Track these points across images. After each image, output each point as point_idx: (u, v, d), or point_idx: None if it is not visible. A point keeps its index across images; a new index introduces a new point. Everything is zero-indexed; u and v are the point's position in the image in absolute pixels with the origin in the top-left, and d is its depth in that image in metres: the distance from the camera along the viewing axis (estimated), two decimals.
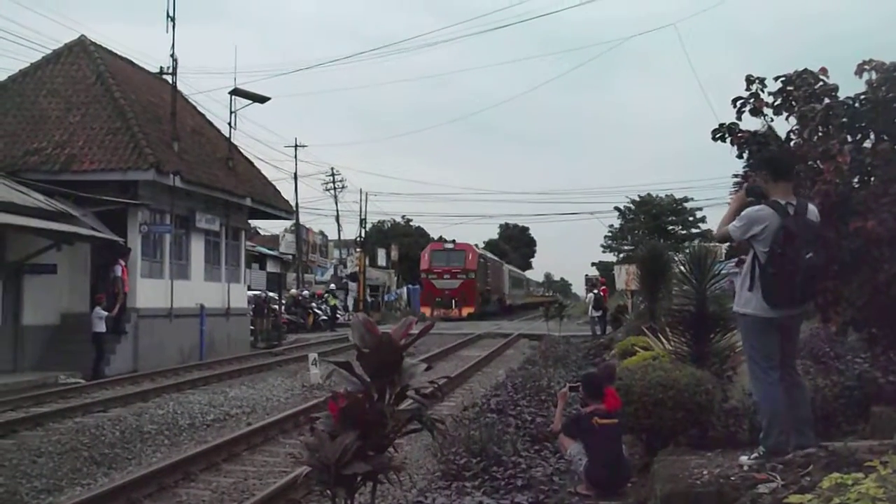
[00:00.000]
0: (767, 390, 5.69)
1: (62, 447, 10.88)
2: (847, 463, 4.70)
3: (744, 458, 5.64)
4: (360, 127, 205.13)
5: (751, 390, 6.46)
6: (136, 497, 8.31)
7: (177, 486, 8.94)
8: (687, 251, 12.58)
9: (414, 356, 4.68)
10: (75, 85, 23.78)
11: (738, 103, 7.62)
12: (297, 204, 49.55)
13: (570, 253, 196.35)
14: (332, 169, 61.38)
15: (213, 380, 18.77)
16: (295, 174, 52.62)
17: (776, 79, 7.49)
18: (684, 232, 68.26)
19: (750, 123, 7.71)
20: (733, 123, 7.69)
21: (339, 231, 64.53)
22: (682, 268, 10.26)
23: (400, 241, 75.18)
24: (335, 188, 61.09)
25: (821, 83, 7.26)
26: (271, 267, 49.08)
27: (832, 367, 8.14)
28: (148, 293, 22.37)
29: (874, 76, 7.01)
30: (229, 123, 28.10)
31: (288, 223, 50.48)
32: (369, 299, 57.78)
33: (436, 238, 69.58)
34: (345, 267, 64.22)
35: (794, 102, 7.37)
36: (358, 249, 59.45)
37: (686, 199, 68.08)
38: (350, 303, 52.74)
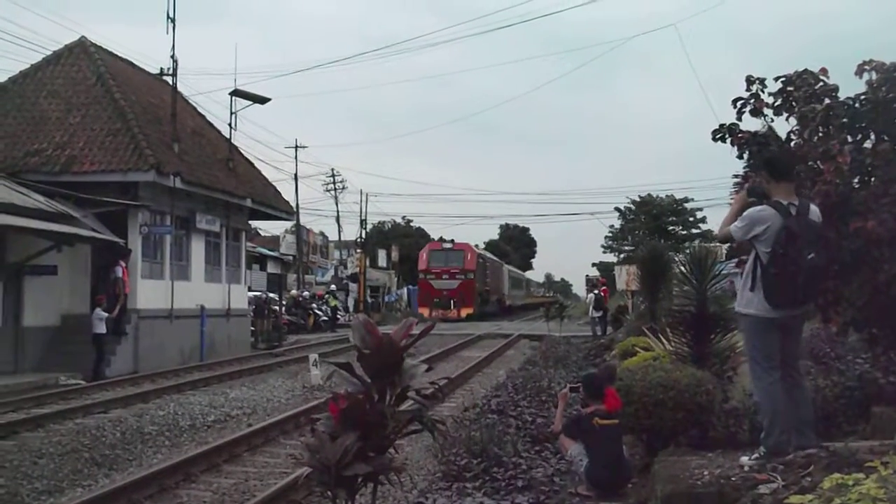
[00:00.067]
0: (768, 390, 5.69)
1: (63, 448, 10.88)
2: (848, 463, 4.70)
3: (744, 459, 5.64)
4: (361, 128, 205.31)
5: (752, 390, 6.46)
6: (137, 498, 8.31)
7: (178, 488, 8.95)
8: (687, 252, 12.58)
9: (414, 357, 4.68)
10: (75, 86, 23.78)
11: (739, 104, 7.62)
12: (297, 205, 49.64)
13: (570, 253, 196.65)
14: (332, 170, 61.45)
15: (213, 381, 18.77)
16: (295, 175, 52.66)
17: (776, 79, 7.50)
18: (685, 232, 68.32)
19: (750, 124, 7.73)
20: (733, 124, 7.69)
21: (339, 232, 64.63)
22: (682, 268, 10.25)
23: (400, 242, 75.16)
24: (335, 189, 61.14)
25: (821, 83, 7.27)
26: (272, 268, 49.08)
27: (833, 367, 8.14)
28: (148, 294, 22.37)
29: (874, 76, 7.01)
30: (229, 124, 28.14)
31: (288, 224, 50.57)
32: (370, 300, 57.75)
33: (436, 239, 69.49)
34: (345, 268, 64.25)
35: (794, 103, 7.38)
36: (358, 250, 59.42)
37: (686, 200, 68.21)
38: (350, 304, 52.74)
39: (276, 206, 30.19)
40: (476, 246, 60.68)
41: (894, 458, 3.79)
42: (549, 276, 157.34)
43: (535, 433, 10.06)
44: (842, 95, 7.18)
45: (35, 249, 19.41)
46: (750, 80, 7.61)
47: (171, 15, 24.18)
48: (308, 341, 31.69)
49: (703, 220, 67.79)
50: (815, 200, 6.28)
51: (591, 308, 31.69)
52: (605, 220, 74.39)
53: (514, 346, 28.95)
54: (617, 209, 70.34)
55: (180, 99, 25.52)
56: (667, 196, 69.45)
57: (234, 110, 27.86)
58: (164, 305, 23.09)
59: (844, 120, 7.12)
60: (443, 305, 50.47)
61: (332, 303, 44.97)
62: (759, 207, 5.73)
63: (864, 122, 7.09)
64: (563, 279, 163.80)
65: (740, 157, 7.71)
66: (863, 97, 7.04)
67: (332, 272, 64.30)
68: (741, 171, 7.87)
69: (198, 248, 25.67)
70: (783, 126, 7.57)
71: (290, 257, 56.31)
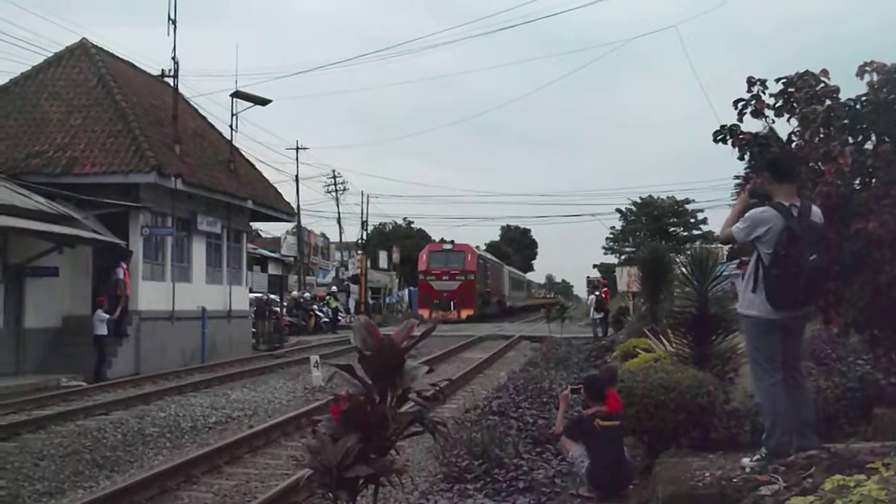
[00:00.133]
0: (770, 392, 5.69)
1: (64, 450, 10.88)
2: (849, 465, 4.70)
3: (746, 460, 5.64)
4: (362, 129, 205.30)
5: (753, 392, 6.46)
6: (138, 500, 8.31)
7: (179, 489, 8.95)
8: (688, 253, 12.58)
9: (415, 358, 4.68)
10: (77, 88, 23.81)
11: (740, 105, 7.62)
12: (298, 206, 49.56)
13: (571, 255, 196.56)
14: (333, 171, 61.35)
15: (214, 382, 18.78)
16: (296, 176, 52.60)
17: (777, 80, 7.49)
18: (686, 234, 68.34)
19: (751, 125, 7.72)
20: (734, 125, 7.69)
21: (340, 233, 64.57)
22: (683, 269, 10.25)
23: (401, 244, 75.12)
24: (337, 190, 61.07)
25: (822, 85, 7.26)
26: (273, 269, 49.16)
27: (834, 368, 8.13)
28: (149, 296, 22.38)
29: (875, 78, 7.01)
30: (231, 126, 28.22)
31: (289, 225, 50.58)
32: (371, 301, 57.71)
33: (437, 240, 69.44)
34: (346, 269, 64.27)
35: (795, 104, 7.37)
36: (359, 252, 59.42)
37: (687, 201, 68.16)
38: (352, 305, 52.72)
39: (277, 208, 30.21)
40: (477, 247, 60.59)
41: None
42: (550, 278, 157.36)
43: (536, 435, 10.06)
44: (843, 97, 7.18)
45: (36, 251, 19.43)
46: (751, 82, 7.61)
47: (172, 16, 24.22)
48: (309, 343, 31.70)
49: (704, 221, 67.87)
50: (816, 202, 6.28)
51: (592, 309, 31.70)
52: (606, 222, 74.54)
53: (515, 348, 28.94)
54: (618, 210, 70.37)
55: (181, 100, 25.55)
56: (668, 197, 69.50)
57: (235, 112, 27.94)
58: (166, 307, 23.10)
59: (845, 121, 7.12)
60: (443, 307, 50.13)
61: (333, 304, 44.97)
62: (760, 209, 5.73)
63: (865, 123, 7.09)
64: (564, 280, 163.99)
65: (741, 158, 7.71)
66: (864, 98, 7.04)
67: (333, 273, 64.33)
68: (742, 173, 7.87)
69: (199, 249, 25.68)
70: (784, 127, 7.58)
71: (292, 259, 56.35)
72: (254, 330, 30.61)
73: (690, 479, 5.45)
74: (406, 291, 64.89)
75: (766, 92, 7.54)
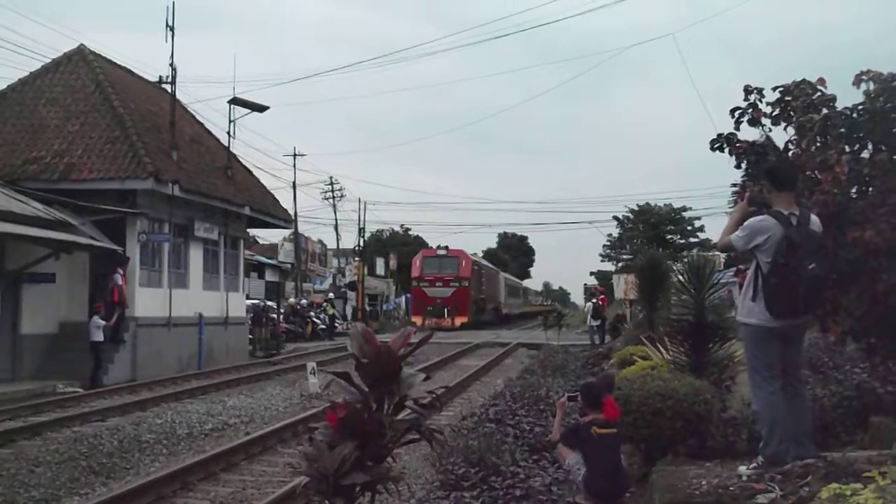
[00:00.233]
0: (768, 400, 5.69)
1: (60, 456, 10.85)
2: (846, 473, 4.70)
3: (742, 469, 5.64)
4: (359, 136, 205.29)
5: (750, 400, 6.46)
6: None
7: (175, 496, 8.93)
8: (685, 260, 12.59)
9: (412, 365, 4.68)
10: (74, 94, 23.83)
11: (737, 113, 7.64)
12: (295, 213, 49.46)
13: (568, 262, 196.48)
14: (330, 178, 61.36)
15: (211, 389, 18.75)
16: (294, 183, 52.58)
17: (774, 89, 7.52)
18: (683, 241, 68.53)
19: (748, 134, 7.74)
20: (731, 133, 7.71)
21: (337, 240, 64.53)
22: (680, 277, 10.25)
23: (398, 251, 75.16)
24: (334, 197, 61.08)
25: (819, 93, 7.28)
26: (270, 276, 49.11)
27: (831, 376, 8.14)
28: (146, 302, 22.35)
29: (872, 87, 7.03)
30: (228, 132, 28.20)
31: (287, 232, 50.44)
32: (368, 308, 57.67)
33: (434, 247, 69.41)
34: (343, 276, 64.21)
35: (792, 113, 7.39)
36: (357, 258, 59.39)
37: (684, 209, 68.43)
38: (349, 312, 52.63)
39: (274, 214, 30.23)
40: (474, 254, 60.42)
41: (892, 469, 3.80)
42: (547, 285, 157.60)
43: (532, 442, 10.04)
44: (840, 105, 7.20)
45: (33, 257, 19.41)
46: (748, 90, 7.63)
47: (171, 23, 24.29)
48: (306, 349, 31.68)
49: (702, 228, 68.11)
50: (812, 210, 6.29)
51: (589, 317, 31.70)
52: (603, 229, 74.48)
53: (512, 355, 28.93)
54: (615, 218, 70.58)
55: (179, 107, 25.56)
56: (665, 205, 69.79)
57: (232, 118, 27.97)
58: (163, 313, 23.07)
59: (842, 130, 7.14)
60: (436, 314, 49.15)
61: (330, 311, 44.94)
62: (759, 217, 5.74)
63: (861, 132, 7.11)
64: (561, 288, 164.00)
65: (738, 166, 7.73)
66: (860, 107, 7.06)
67: (330, 280, 64.28)
68: (739, 181, 7.88)
69: (196, 255, 25.67)
70: (781, 136, 7.60)
71: (289, 265, 56.28)
72: (250, 336, 30.58)
73: (687, 487, 5.45)
74: (403, 298, 64.86)
75: (763, 100, 7.57)
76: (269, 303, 36.06)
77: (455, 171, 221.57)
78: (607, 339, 28.78)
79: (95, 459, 10.77)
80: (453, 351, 28.43)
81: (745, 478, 5.41)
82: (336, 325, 43.85)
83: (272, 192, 31.98)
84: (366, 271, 59.19)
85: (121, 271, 21.03)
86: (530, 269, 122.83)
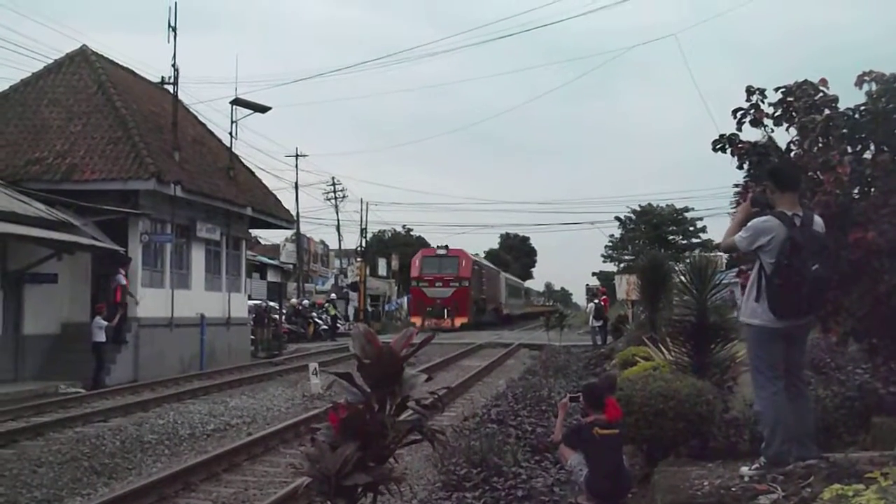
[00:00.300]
0: (771, 400, 5.68)
1: (62, 457, 10.86)
2: (848, 474, 4.70)
3: (744, 469, 5.63)
4: (362, 136, 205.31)
5: (752, 400, 6.46)
6: None
7: (177, 497, 8.94)
8: (687, 261, 12.59)
9: (414, 366, 4.68)
10: (76, 94, 23.85)
11: (739, 114, 7.65)
12: (297, 213, 49.62)
13: (570, 263, 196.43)
14: (333, 178, 61.45)
15: (213, 389, 18.75)
16: (296, 184, 52.68)
17: (776, 90, 7.52)
18: (685, 242, 68.46)
19: (750, 134, 7.75)
20: (734, 134, 7.71)
21: (339, 241, 64.62)
22: (682, 278, 10.25)
23: (401, 251, 75.08)
24: (336, 198, 61.15)
25: (821, 94, 7.29)
26: (272, 276, 49.08)
27: (833, 377, 8.14)
28: (148, 303, 22.37)
29: (874, 87, 7.04)
30: (230, 133, 28.26)
31: (289, 233, 50.51)
32: (370, 309, 57.64)
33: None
34: (345, 276, 64.24)
35: (794, 113, 7.39)
36: (359, 259, 59.39)
37: (686, 209, 68.37)
38: (350, 312, 52.61)
39: (276, 215, 30.23)
40: (476, 255, 60.22)
41: (894, 469, 3.79)
42: (549, 286, 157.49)
43: (534, 443, 10.05)
44: (842, 106, 7.20)
45: (35, 258, 19.43)
46: (750, 91, 7.63)
47: (173, 24, 24.30)
48: (308, 350, 31.68)
49: (704, 229, 68.09)
50: (815, 211, 6.29)
51: (591, 317, 31.70)
52: (605, 230, 74.43)
53: (514, 356, 28.92)
54: (617, 218, 70.53)
55: (181, 107, 25.60)
56: (667, 205, 69.73)
57: (234, 119, 28.03)
58: (165, 314, 23.09)
59: (844, 130, 7.14)
60: (436, 314, 48.16)
61: (332, 311, 44.94)
62: (763, 218, 5.73)
63: (863, 132, 7.11)
64: (563, 288, 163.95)
65: (740, 167, 7.73)
66: (862, 108, 7.06)
67: (332, 281, 64.29)
68: (741, 181, 7.88)
69: (198, 256, 25.69)
70: (783, 136, 7.61)
71: (291, 266, 56.32)
72: (252, 337, 30.60)
73: (689, 487, 5.45)
74: (405, 299, 64.78)
75: (766, 101, 7.58)
76: (271, 303, 36.07)
77: (457, 171, 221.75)
78: (609, 340, 28.77)
79: (97, 460, 10.78)
80: (455, 352, 28.43)
81: (747, 478, 5.41)
82: (338, 325, 43.86)
83: (274, 192, 32.04)
84: (368, 272, 59.19)
85: (123, 272, 21.04)
86: (532, 269, 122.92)
